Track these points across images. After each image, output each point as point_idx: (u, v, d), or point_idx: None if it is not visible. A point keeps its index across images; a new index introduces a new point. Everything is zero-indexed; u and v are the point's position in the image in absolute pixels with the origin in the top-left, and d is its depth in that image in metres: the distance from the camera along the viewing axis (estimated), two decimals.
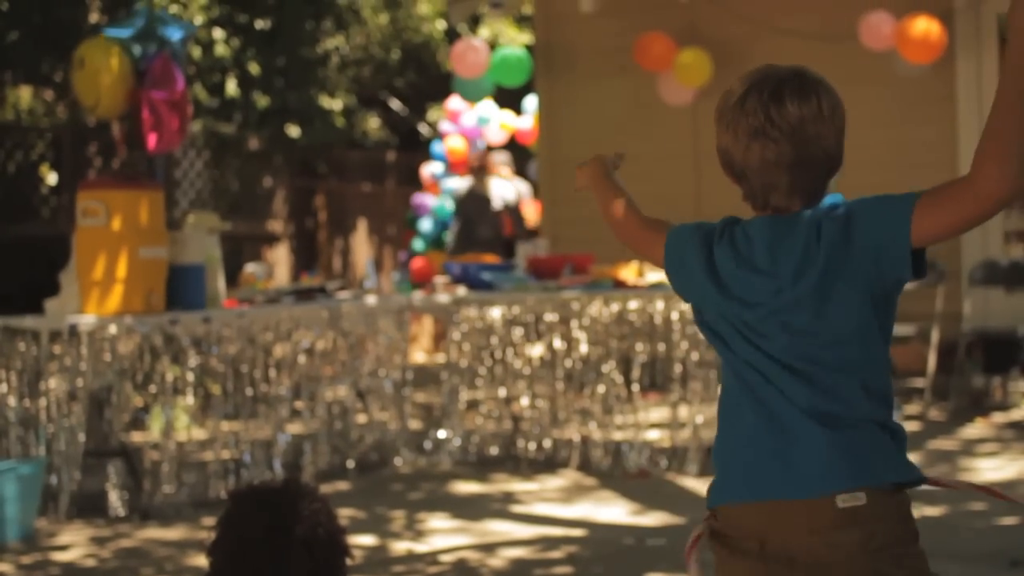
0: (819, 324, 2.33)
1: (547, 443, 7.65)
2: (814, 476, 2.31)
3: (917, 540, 2.34)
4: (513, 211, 11.33)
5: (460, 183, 11.90)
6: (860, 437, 2.32)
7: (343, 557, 2.94)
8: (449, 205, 13.71)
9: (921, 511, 6.06)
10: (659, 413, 7.98)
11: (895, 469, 2.33)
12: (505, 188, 11.46)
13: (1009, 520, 5.87)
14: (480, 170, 11.68)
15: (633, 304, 7.29)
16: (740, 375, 2.39)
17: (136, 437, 7.46)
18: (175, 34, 6.89)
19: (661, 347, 7.25)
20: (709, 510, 2.44)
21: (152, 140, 6.74)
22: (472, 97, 11.78)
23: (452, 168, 13.52)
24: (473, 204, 11.35)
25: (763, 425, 2.36)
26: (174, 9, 11.22)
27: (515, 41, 16.32)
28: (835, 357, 2.34)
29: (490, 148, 13.96)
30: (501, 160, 12.35)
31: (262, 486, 2.97)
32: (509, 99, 13.51)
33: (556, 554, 5.54)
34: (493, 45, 13.57)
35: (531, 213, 12.32)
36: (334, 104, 14.07)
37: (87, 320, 6.40)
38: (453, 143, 13.60)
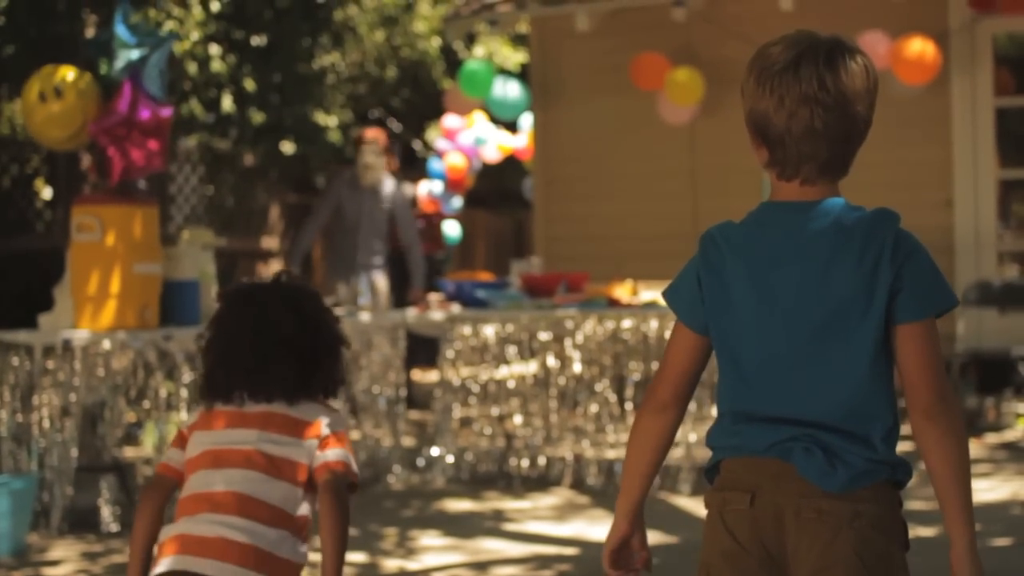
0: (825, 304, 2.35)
1: (540, 461, 7.64)
2: None
3: (900, 544, 2.46)
4: (401, 215, 9.75)
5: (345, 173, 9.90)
6: None
7: (338, 344, 3.00)
8: (450, 228, 13.54)
9: (915, 532, 6.05)
10: None
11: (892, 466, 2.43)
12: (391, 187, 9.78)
13: (1003, 541, 5.86)
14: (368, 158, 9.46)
15: (627, 323, 7.30)
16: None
17: (129, 452, 7.44)
18: (155, 55, 6.63)
19: (655, 366, 7.24)
20: (713, 467, 2.45)
21: (117, 174, 6.61)
22: (508, 114, 11.99)
23: (451, 186, 13.52)
24: (355, 202, 9.59)
25: None
26: (171, 25, 11.21)
27: (510, 60, 16.34)
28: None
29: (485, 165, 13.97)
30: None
31: (251, 284, 3.05)
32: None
33: (548, 573, 5.52)
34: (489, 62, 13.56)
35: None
36: (330, 121, 14.07)
37: (81, 335, 6.39)
38: (453, 160, 13.59)
